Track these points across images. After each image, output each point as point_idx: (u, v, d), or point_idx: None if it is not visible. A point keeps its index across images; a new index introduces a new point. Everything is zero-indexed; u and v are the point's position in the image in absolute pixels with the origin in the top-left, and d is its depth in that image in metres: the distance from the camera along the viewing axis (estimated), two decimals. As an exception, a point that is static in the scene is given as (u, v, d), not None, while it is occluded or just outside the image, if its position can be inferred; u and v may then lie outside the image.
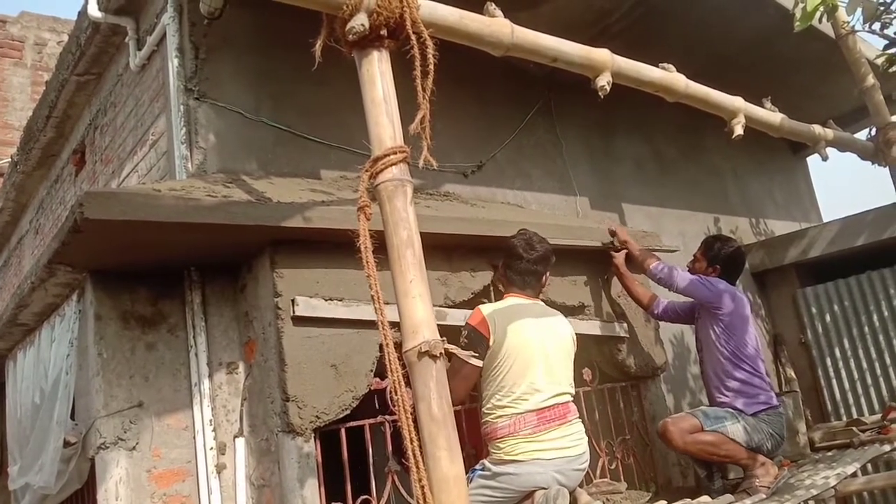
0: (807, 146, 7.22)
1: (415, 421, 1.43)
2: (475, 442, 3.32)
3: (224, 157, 3.19)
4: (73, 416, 3.04)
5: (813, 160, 7.83)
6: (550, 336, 2.82)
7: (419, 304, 1.50)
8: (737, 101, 2.67)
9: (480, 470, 2.73)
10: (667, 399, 4.39)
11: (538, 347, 2.75)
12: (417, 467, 1.35)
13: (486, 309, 2.77)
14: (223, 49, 3.33)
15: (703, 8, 4.39)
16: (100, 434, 2.71)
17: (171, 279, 2.97)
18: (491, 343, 2.68)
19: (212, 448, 2.85)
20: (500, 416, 2.69)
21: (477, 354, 2.68)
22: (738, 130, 2.63)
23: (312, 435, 2.70)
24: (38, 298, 3.20)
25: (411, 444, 1.36)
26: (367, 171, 1.57)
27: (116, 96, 4.10)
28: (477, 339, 2.69)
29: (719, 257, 3.66)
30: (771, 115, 2.84)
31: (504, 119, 4.53)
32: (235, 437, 2.90)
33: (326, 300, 2.81)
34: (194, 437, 2.88)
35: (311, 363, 2.73)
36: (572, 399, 2.84)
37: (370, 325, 2.70)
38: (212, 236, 2.62)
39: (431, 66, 1.57)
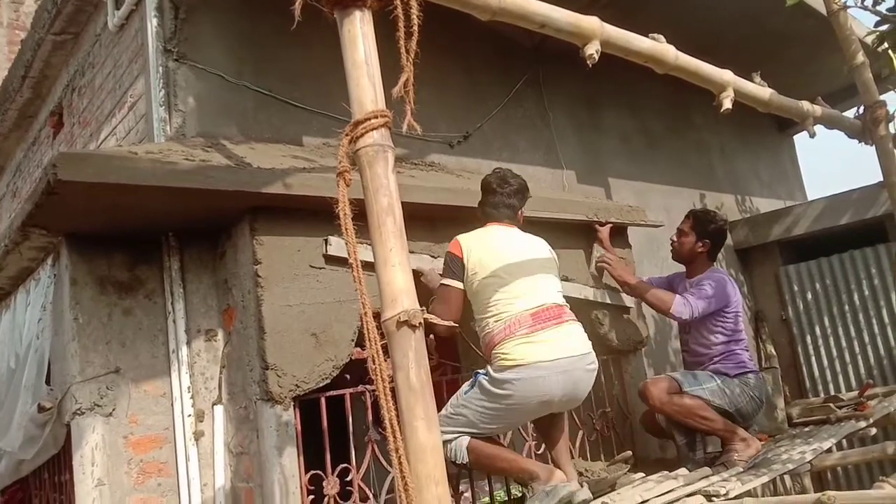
0: (794, 124, 7.28)
1: (393, 391, 1.41)
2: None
3: (204, 121, 3.12)
4: (48, 382, 3.00)
5: (800, 139, 7.85)
6: (529, 251, 2.87)
7: (399, 272, 1.46)
8: (726, 75, 2.63)
9: (483, 374, 2.69)
10: (647, 373, 4.41)
11: (517, 260, 2.79)
12: (394, 437, 1.33)
13: (462, 236, 2.83)
14: (204, 9, 3.24)
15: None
16: (76, 400, 2.68)
17: (148, 245, 2.92)
18: (465, 261, 2.74)
19: (190, 415, 2.83)
20: (495, 322, 2.69)
21: (454, 276, 2.74)
22: (727, 104, 2.60)
23: (292, 403, 2.68)
24: (13, 262, 3.13)
25: (388, 413, 1.34)
26: (347, 135, 1.52)
27: (94, 57, 4.00)
28: (452, 261, 2.77)
29: (709, 232, 3.66)
30: (760, 89, 2.81)
31: (491, 90, 4.47)
32: (214, 404, 2.87)
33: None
34: (172, 404, 2.85)
35: (290, 332, 2.71)
36: (566, 306, 2.84)
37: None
38: (189, 201, 2.57)
39: (416, 28, 1.52)
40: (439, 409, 3.06)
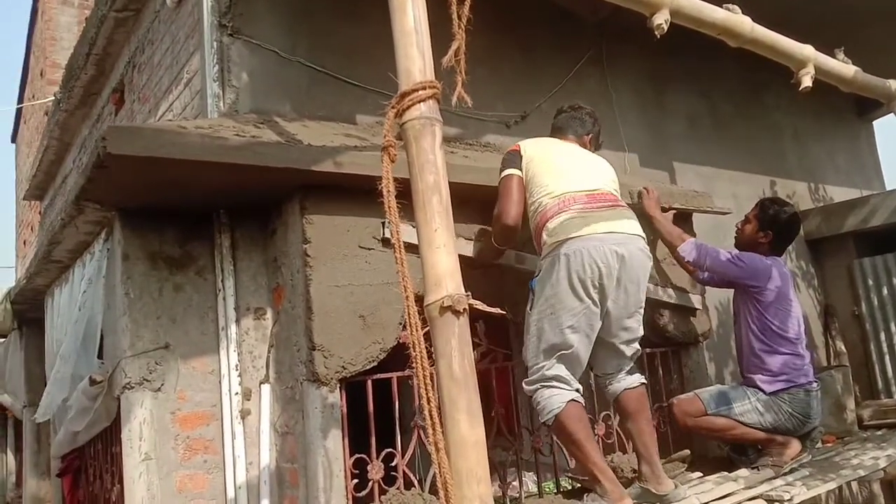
0: (873, 109, 6.88)
1: (434, 380, 1.32)
2: (504, 401, 3.23)
3: (257, 98, 3.08)
4: (101, 355, 3.04)
5: (880, 124, 7.39)
6: (588, 159, 2.91)
7: (443, 254, 1.37)
8: (806, 50, 2.43)
9: (534, 278, 2.70)
10: (708, 367, 4.22)
11: (575, 160, 2.86)
12: (434, 429, 1.25)
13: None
14: (259, -17, 3.19)
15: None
16: (125, 374, 2.69)
17: (200, 221, 2.91)
18: (522, 153, 2.81)
19: (237, 393, 2.82)
20: (550, 199, 2.68)
21: (513, 166, 2.80)
22: (807, 82, 2.41)
23: (338, 385, 2.63)
24: (70, 235, 3.18)
25: (428, 404, 1.26)
26: (392, 108, 1.43)
27: (154, 33, 4.02)
28: (510, 156, 2.84)
29: (773, 222, 3.44)
30: (844, 66, 2.59)
31: (551, 68, 4.31)
32: (261, 383, 2.85)
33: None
34: (220, 382, 2.84)
35: (338, 313, 2.65)
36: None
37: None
38: (239, 178, 2.53)
39: (468, -8, 1.41)
40: (485, 401, 3.03)
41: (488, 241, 2.96)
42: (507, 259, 3.09)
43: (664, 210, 3.68)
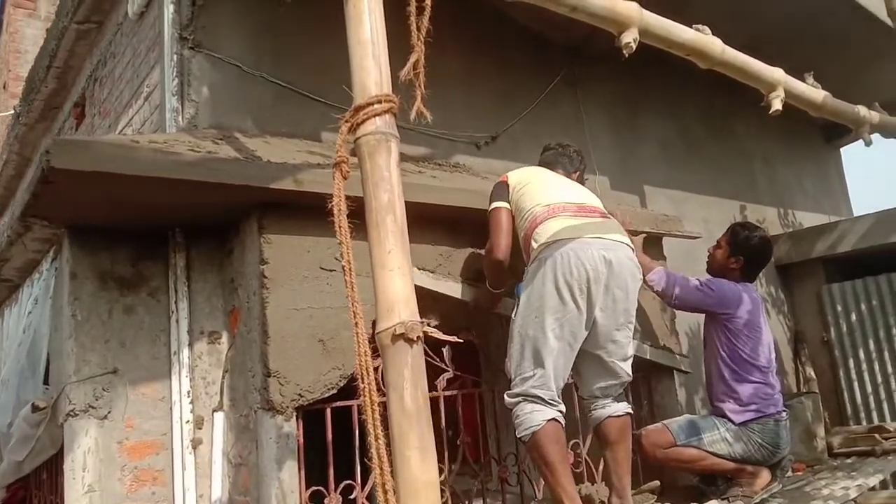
0: (841, 136, 6.97)
1: (384, 415, 1.23)
2: (470, 429, 3.13)
3: (217, 113, 2.98)
4: (47, 379, 2.88)
5: (848, 150, 7.50)
6: (577, 185, 2.95)
7: (397, 278, 1.28)
8: (777, 73, 2.41)
9: (521, 283, 2.67)
10: (678, 393, 4.16)
11: (564, 181, 2.89)
12: (381, 469, 1.15)
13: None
14: (222, -4, 3.10)
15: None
16: (69, 400, 2.54)
17: (155, 240, 2.78)
18: (510, 183, 2.81)
19: (188, 421, 2.68)
20: (539, 208, 2.67)
21: (501, 198, 2.80)
22: (777, 105, 2.38)
23: (294, 414, 2.51)
24: (18, 253, 3.03)
25: (376, 441, 1.16)
26: (346, 121, 1.35)
27: (116, 46, 3.90)
28: (498, 189, 2.84)
29: (744, 247, 3.39)
30: (813, 91, 2.58)
31: (523, 90, 4.27)
32: (214, 410, 2.72)
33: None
34: (171, 409, 2.71)
35: (296, 337, 2.54)
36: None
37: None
38: (193, 195, 2.42)
39: (429, 2, 1.34)
40: (452, 429, 2.94)
41: (485, 286, 2.92)
42: (505, 308, 3.00)
43: (633, 234, 3.63)
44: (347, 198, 1.43)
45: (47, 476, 3.22)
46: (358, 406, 2.68)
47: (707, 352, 3.43)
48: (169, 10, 2.98)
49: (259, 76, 3.12)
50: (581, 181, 3.08)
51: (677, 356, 3.67)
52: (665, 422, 3.30)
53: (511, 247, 2.75)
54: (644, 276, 3.32)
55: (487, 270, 2.86)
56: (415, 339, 1.24)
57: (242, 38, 3.14)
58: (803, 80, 2.62)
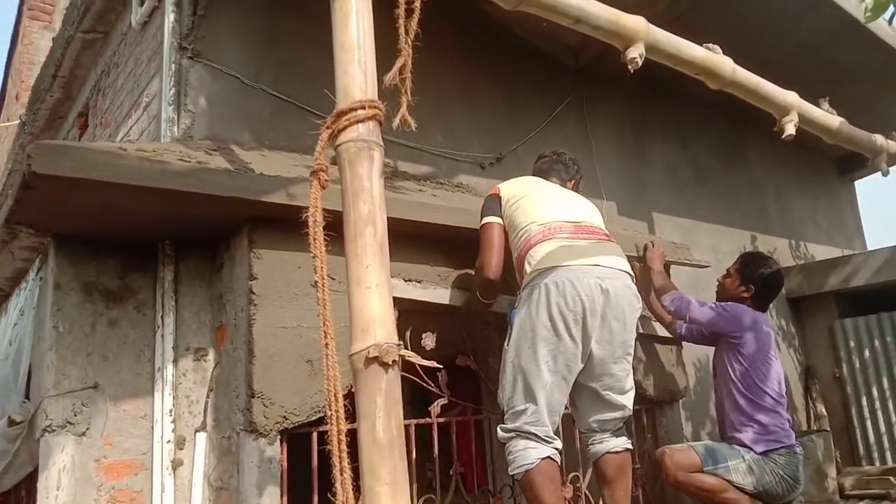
0: (855, 168, 6.85)
1: (352, 445, 1.12)
2: (465, 459, 3.01)
3: (214, 124, 2.91)
4: (28, 393, 2.79)
5: (861, 184, 7.38)
6: (573, 195, 2.84)
7: (374, 296, 1.19)
8: (790, 97, 2.32)
9: (513, 309, 2.56)
10: (684, 427, 4.02)
11: (560, 193, 2.78)
12: (346, 505, 1.04)
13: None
14: (224, 7, 3.05)
15: (755, 4, 4.02)
16: (46, 415, 2.44)
17: (144, 252, 2.70)
18: (502, 196, 2.70)
19: (169, 441, 2.57)
20: (534, 227, 2.54)
21: (493, 213, 2.70)
22: (790, 130, 2.28)
23: (278, 437, 2.40)
24: (6, 262, 2.95)
25: (340, 475, 1.05)
26: (327, 128, 1.26)
27: (119, 56, 3.87)
28: (489, 201, 2.74)
29: (755, 277, 3.30)
30: (828, 117, 2.48)
31: (530, 111, 4.20)
32: (197, 430, 2.61)
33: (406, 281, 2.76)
34: (152, 428, 2.60)
35: (283, 357, 2.44)
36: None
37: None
38: (182, 206, 2.34)
39: (418, 3, 1.25)
40: (446, 459, 2.82)
41: (475, 294, 2.81)
42: (500, 307, 2.91)
43: (666, 266, 3.55)
44: (329, 211, 1.34)
45: (25, 493, 3.11)
46: (347, 430, 2.58)
47: (718, 382, 3.31)
48: (170, 18, 2.94)
49: (259, 88, 3.06)
50: (577, 190, 2.98)
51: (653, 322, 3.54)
52: (690, 444, 3.17)
53: (503, 264, 2.64)
54: (661, 297, 3.25)
55: (478, 287, 2.75)
56: (390, 363, 1.14)
57: (243, 48, 3.09)
58: (818, 106, 2.52)
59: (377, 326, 1.17)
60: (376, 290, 1.19)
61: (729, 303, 3.28)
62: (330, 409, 1.09)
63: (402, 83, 1.28)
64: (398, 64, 1.28)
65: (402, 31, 1.28)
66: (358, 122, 1.26)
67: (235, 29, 3.08)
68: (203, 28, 2.97)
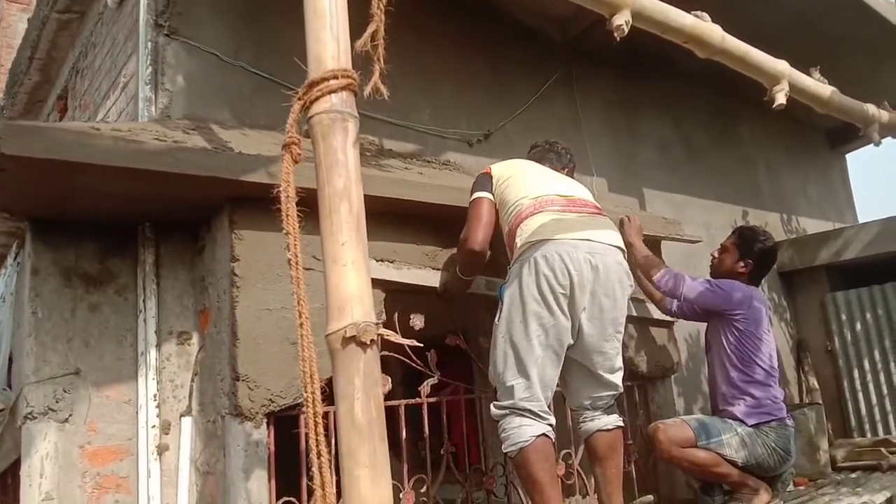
0: (846, 141, 6.82)
1: (330, 427, 1.08)
2: (457, 438, 2.98)
3: (192, 103, 2.84)
4: (10, 380, 2.74)
5: (853, 156, 7.35)
6: (565, 177, 2.81)
7: (350, 273, 1.14)
8: (780, 65, 2.26)
9: (503, 284, 2.53)
10: (677, 402, 4.01)
11: (552, 173, 2.75)
12: (323, 490, 1.00)
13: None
14: (201, -18, 2.97)
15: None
16: (27, 402, 2.40)
17: (124, 235, 2.64)
18: (493, 175, 2.67)
19: (154, 426, 2.53)
20: (525, 201, 2.51)
21: (483, 188, 2.66)
22: (781, 99, 2.23)
23: (264, 420, 2.37)
24: (-17, 248, 2.89)
25: (318, 458, 1.01)
26: (299, 99, 1.21)
27: (97, 36, 3.77)
28: (481, 180, 2.70)
29: (753, 252, 3.28)
30: (820, 86, 2.43)
31: (518, 87, 4.14)
32: (182, 415, 2.58)
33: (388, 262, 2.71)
34: (137, 413, 2.56)
35: (268, 339, 2.40)
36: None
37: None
38: (159, 187, 2.28)
39: (389, -34, 1.20)
40: (437, 438, 2.79)
41: (454, 272, 2.76)
42: (478, 287, 2.87)
43: (655, 242, 3.51)
44: (306, 188, 1.29)
45: (11, 481, 3.07)
46: (335, 412, 2.55)
47: (711, 355, 3.29)
48: (145, -5, 2.85)
49: (238, 66, 2.99)
50: (571, 178, 2.94)
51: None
52: (683, 417, 3.16)
53: (490, 240, 2.60)
54: (650, 274, 3.20)
55: (460, 260, 2.71)
56: (368, 342, 1.10)
57: (222, 25, 3.01)
58: (809, 75, 2.47)
59: (354, 305, 1.13)
60: (352, 267, 1.14)
61: (724, 280, 3.25)
62: (306, 391, 1.05)
63: (373, 50, 1.22)
64: (370, 29, 1.22)
65: (374, -5, 1.22)
66: (331, 92, 1.20)
67: (213, 5, 3.00)
68: (180, 4, 2.89)
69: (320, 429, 1.03)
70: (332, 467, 1.10)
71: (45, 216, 2.51)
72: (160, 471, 2.52)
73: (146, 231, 2.63)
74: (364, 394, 1.09)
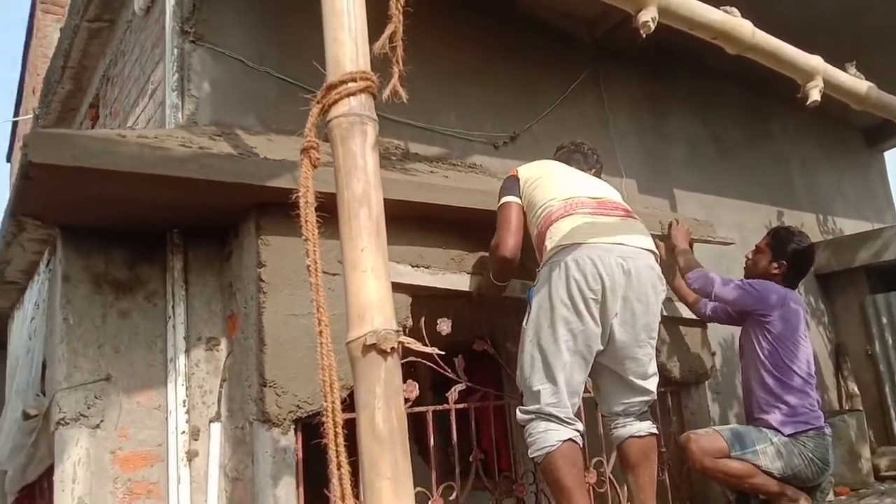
0: (885, 139, 6.64)
1: (350, 438, 1.06)
2: (487, 444, 2.95)
3: (218, 109, 2.86)
4: (43, 386, 2.78)
5: (892, 154, 7.15)
6: (593, 178, 2.77)
7: (370, 280, 1.12)
8: (814, 61, 2.19)
9: (532, 288, 2.49)
10: (711, 409, 3.92)
11: (580, 174, 2.72)
12: (343, 502, 0.98)
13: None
14: (226, -12, 2.98)
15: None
16: (59, 408, 2.42)
17: (152, 241, 2.66)
18: (521, 177, 2.64)
19: (184, 432, 2.54)
20: (554, 203, 2.47)
21: (511, 193, 2.64)
22: (815, 96, 2.16)
23: (292, 426, 2.36)
24: (17, 255, 2.93)
25: (337, 469, 0.99)
26: (317, 102, 1.19)
27: (126, 44, 3.82)
28: (508, 184, 2.67)
29: (786, 252, 3.19)
30: (856, 81, 2.35)
31: (544, 88, 4.09)
32: (211, 421, 2.58)
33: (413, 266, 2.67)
34: (167, 419, 2.57)
35: (295, 345, 2.39)
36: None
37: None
38: (186, 193, 2.29)
39: (408, -36, 1.17)
40: (465, 444, 2.76)
41: (488, 276, 2.73)
42: (512, 290, 2.84)
43: (691, 244, 3.44)
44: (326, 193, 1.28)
45: (47, 485, 3.12)
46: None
47: (745, 361, 3.21)
48: (170, 3, 2.88)
49: (264, 71, 3.00)
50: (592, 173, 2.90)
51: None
52: (715, 428, 3.09)
53: (521, 245, 2.57)
54: (684, 274, 3.15)
55: (492, 266, 2.67)
56: (388, 350, 1.07)
57: (246, 30, 3.02)
58: (844, 70, 2.39)
59: (374, 312, 1.10)
60: (372, 273, 1.12)
61: (756, 280, 3.18)
62: (325, 401, 1.03)
63: (392, 52, 1.19)
64: (388, 31, 1.19)
65: (392, -4, 1.20)
66: (349, 94, 1.18)
67: (237, 10, 3.02)
68: (204, 11, 2.90)
69: (340, 439, 1.01)
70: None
71: (75, 223, 2.54)
72: (190, 477, 2.52)
73: (174, 237, 2.65)
74: (385, 403, 1.07)
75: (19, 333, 3.45)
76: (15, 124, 9.95)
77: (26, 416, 2.58)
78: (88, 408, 2.47)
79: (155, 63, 3.19)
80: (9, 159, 10.95)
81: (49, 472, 3.03)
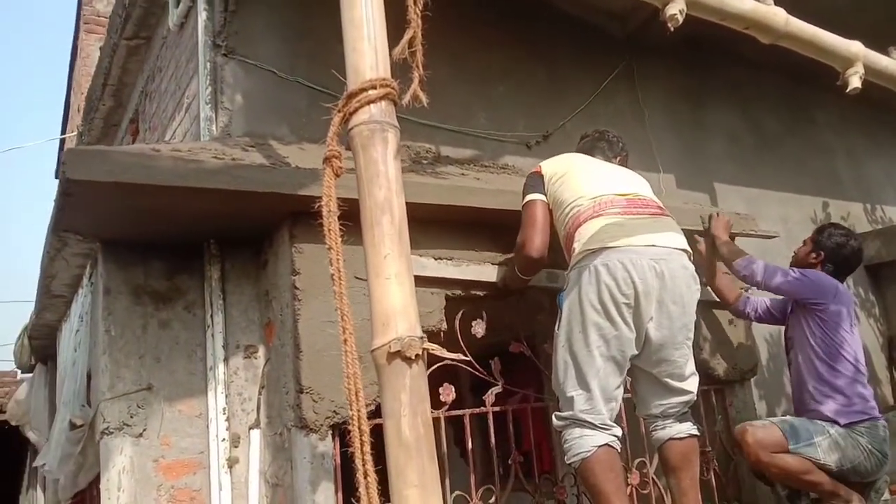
0: (936, 124, 6.39)
1: (377, 445, 1.06)
2: (528, 446, 2.93)
3: (251, 120, 2.89)
4: (88, 397, 2.85)
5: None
6: (621, 169, 2.71)
7: (394, 286, 1.11)
8: (854, 46, 2.11)
9: (562, 292, 2.45)
10: (757, 407, 3.82)
11: (607, 167, 2.66)
12: (371, 510, 0.98)
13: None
14: (255, 1, 3.02)
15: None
16: (104, 418, 2.48)
17: (189, 252, 2.71)
18: (545, 174, 2.59)
19: (224, 439, 2.58)
20: (583, 202, 2.41)
21: (536, 190, 2.58)
22: (855, 83, 2.08)
23: (329, 432, 2.37)
24: (62, 269, 3.03)
25: (364, 478, 0.99)
26: (339, 111, 1.19)
27: (162, 60, 3.90)
28: (532, 181, 2.62)
29: (826, 245, 3.13)
30: (899, 65, 2.26)
31: (577, 85, 4.04)
32: (251, 428, 2.61)
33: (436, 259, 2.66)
34: (207, 426, 2.62)
35: (330, 351, 2.40)
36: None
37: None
38: (220, 204, 2.33)
39: (426, -31, 1.17)
40: (503, 447, 2.74)
41: (512, 267, 2.70)
42: (539, 281, 2.81)
43: (732, 237, 3.37)
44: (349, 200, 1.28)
45: (96, 493, 3.20)
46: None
47: (794, 353, 3.11)
48: (202, 18, 2.93)
49: (294, 81, 3.02)
50: (624, 165, 2.83)
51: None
52: (772, 420, 3.01)
53: (548, 244, 2.52)
54: (729, 263, 3.08)
55: (520, 265, 2.62)
56: (413, 357, 1.07)
57: (276, 42, 3.05)
58: (887, 55, 2.31)
59: (399, 319, 1.10)
60: (396, 280, 1.12)
61: (809, 269, 3.11)
62: (351, 409, 1.03)
63: (412, 57, 1.19)
64: (407, 36, 1.19)
65: (409, 1, 1.19)
66: (370, 102, 1.18)
67: (267, 22, 3.05)
68: (235, 24, 2.95)
69: (367, 447, 1.01)
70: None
71: (114, 237, 2.60)
72: (231, 483, 2.56)
73: (211, 248, 2.69)
74: (411, 410, 1.06)
75: (66, 345, 3.55)
76: (62, 142, 10.26)
77: (73, 426, 2.65)
78: (131, 417, 2.53)
79: (189, 77, 3.25)
80: (57, 176, 11.30)
81: (97, 480, 3.11)
